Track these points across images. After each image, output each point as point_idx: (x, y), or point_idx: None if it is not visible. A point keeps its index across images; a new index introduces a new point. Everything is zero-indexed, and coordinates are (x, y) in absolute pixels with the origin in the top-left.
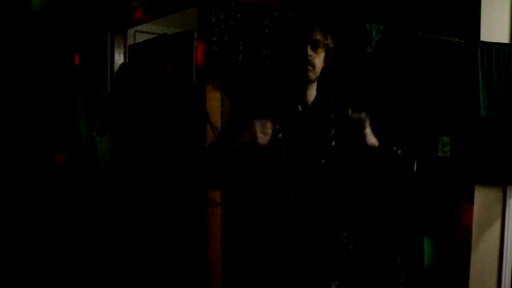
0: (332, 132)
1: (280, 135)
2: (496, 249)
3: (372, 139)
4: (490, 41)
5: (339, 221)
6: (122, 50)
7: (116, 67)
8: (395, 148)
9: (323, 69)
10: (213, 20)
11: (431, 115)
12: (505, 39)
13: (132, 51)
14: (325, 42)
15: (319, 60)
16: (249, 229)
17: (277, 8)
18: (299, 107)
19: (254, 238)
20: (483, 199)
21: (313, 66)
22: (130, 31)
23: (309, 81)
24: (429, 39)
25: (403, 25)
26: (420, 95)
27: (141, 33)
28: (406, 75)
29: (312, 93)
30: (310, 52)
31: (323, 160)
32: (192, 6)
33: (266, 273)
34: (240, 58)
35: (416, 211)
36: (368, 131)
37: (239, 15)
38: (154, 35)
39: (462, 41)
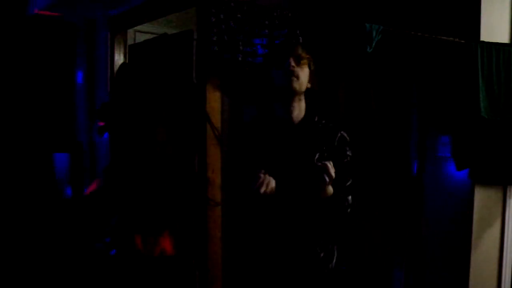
0: (316, 156)
1: (267, 154)
2: (496, 249)
3: (329, 189)
4: (490, 41)
5: (318, 241)
6: (122, 50)
7: (116, 67)
8: (346, 203)
9: (309, 90)
10: (213, 20)
11: (431, 115)
12: (505, 39)
13: (132, 51)
14: (307, 57)
15: (303, 74)
16: (246, 230)
17: (277, 8)
18: (285, 125)
19: (250, 239)
20: (483, 199)
21: (297, 77)
22: (130, 31)
23: (294, 93)
24: (429, 39)
25: (403, 25)
26: (420, 95)
27: (141, 33)
28: (406, 75)
29: (299, 111)
30: (293, 64)
31: (306, 181)
32: (192, 6)
33: (264, 273)
34: (240, 58)
35: (416, 211)
36: (328, 180)
37: (239, 15)
38: (154, 35)
39: (462, 41)
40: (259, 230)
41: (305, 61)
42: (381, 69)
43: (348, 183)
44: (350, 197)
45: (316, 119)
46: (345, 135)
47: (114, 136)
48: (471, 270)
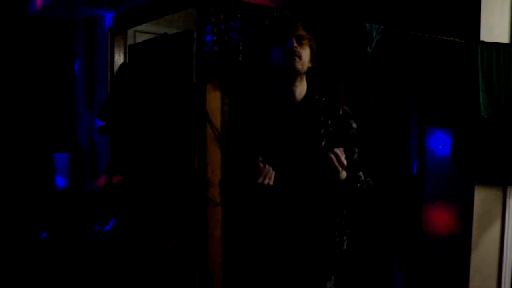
0: (322, 131)
1: (270, 133)
2: (496, 249)
3: (343, 174)
4: (490, 41)
5: (330, 219)
6: (122, 50)
7: (116, 67)
8: (359, 181)
9: (310, 68)
10: (213, 20)
11: (431, 115)
12: (505, 39)
13: (132, 51)
14: (308, 37)
15: (305, 54)
16: (246, 228)
17: (277, 8)
18: (288, 104)
19: (251, 237)
20: (483, 199)
21: (300, 57)
22: (130, 31)
23: (296, 72)
24: (429, 39)
25: (403, 25)
26: (420, 95)
27: (141, 33)
28: (406, 75)
29: (301, 90)
30: (295, 44)
31: (313, 159)
32: (192, 6)
33: (264, 271)
34: (240, 58)
35: (416, 211)
36: (341, 168)
37: (239, 15)
38: (154, 35)
39: (462, 41)
40: (260, 223)
41: (306, 40)
42: (381, 69)
43: (355, 156)
44: (361, 173)
45: (317, 96)
46: (347, 109)
47: (114, 136)
48: (471, 270)
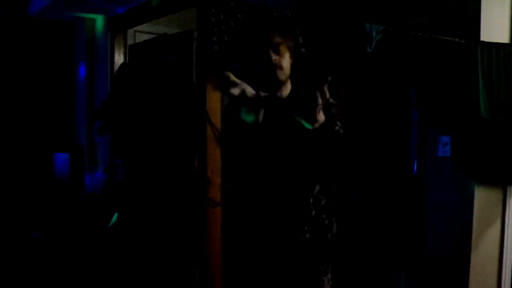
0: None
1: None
2: (496, 249)
3: (321, 116)
4: (490, 41)
5: (318, 205)
6: (122, 50)
7: (116, 67)
8: (337, 128)
9: (292, 66)
10: (213, 20)
11: (431, 115)
12: (505, 39)
13: (132, 51)
14: (285, 41)
15: (285, 61)
16: (242, 223)
17: (276, 8)
18: (275, 104)
19: (245, 231)
20: (483, 199)
21: (280, 67)
22: (130, 31)
23: (280, 83)
24: (429, 39)
25: (403, 25)
26: (420, 95)
27: (141, 33)
28: (406, 75)
29: (286, 92)
30: (273, 56)
31: (299, 147)
32: (192, 6)
33: (260, 262)
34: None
35: (416, 211)
36: (319, 107)
37: (239, 15)
38: (154, 35)
39: (462, 41)
40: (257, 216)
41: (283, 46)
42: (381, 69)
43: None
44: (338, 123)
45: (301, 93)
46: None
47: (114, 136)
48: (471, 270)
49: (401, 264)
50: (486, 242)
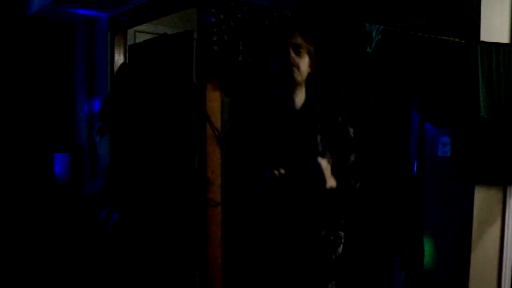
0: (318, 138)
1: (270, 140)
2: (496, 249)
3: (331, 182)
4: (490, 41)
5: (325, 224)
6: (122, 50)
7: (116, 67)
8: (352, 183)
9: (309, 74)
10: (213, 20)
11: (431, 115)
12: (505, 39)
13: (132, 51)
14: (307, 45)
15: (303, 63)
16: (247, 230)
17: (277, 8)
18: (288, 113)
19: (251, 240)
20: (483, 199)
21: (298, 68)
22: (130, 31)
23: (295, 83)
24: (429, 39)
25: (403, 25)
26: (420, 95)
27: (141, 33)
28: (406, 76)
29: (301, 97)
30: (293, 54)
31: (311, 165)
32: (192, 6)
33: (264, 274)
34: (240, 58)
35: (416, 211)
36: (328, 175)
37: (239, 15)
38: (154, 35)
39: (462, 41)
40: (260, 226)
41: (304, 49)
42: (381, 69)
43: (352, 160)
44: (353, 181)
45: (320, 103)
46: (345, 115)
47: (114, 136)
48: (471, 270)
49: (401, 263)
50: (486, 242)
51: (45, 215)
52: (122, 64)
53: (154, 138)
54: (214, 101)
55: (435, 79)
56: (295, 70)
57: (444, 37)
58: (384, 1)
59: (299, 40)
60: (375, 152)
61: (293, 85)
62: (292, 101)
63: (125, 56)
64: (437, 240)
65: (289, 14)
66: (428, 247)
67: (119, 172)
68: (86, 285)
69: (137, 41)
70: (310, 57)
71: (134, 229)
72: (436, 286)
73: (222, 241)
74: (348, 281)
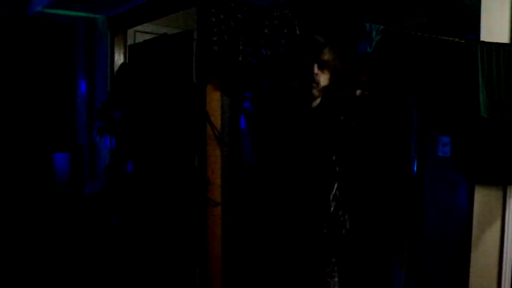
0: (338, 130)
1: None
2: (496, 249)
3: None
4: (490, 41)
5: (337, 202)
6: (122, 50)
7: (116, 67)
8: (353, 124)
9: (325, 87)
10: (213, 20)
11: (431, 115)
12: (505, 39)
13: (132, 51)
14: (332, 63)
15: (324, 78)
16: (247, 224)
17: (277, 8)
18: (305, 111)
19: (252, 232)
20: (483, 199)
21: (317, 83)
22: (130, 31)
23: (313, 98)
24: (429, 39)
25: (403, 25)
26: (420, 95)
27: (141, 33)
28: (406, 75)
29: (316, 103)
30: (316, 71)
31: (319, 142)
32: (192, 6)
33: (268, 255)
34: (240, 58)
35: (416, 211)
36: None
37: (239, 15)
38: (154, 35)
39: (462, 41)
40: (264, 219)
41: (329, 64)
42: (381, 69)
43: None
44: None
45: (329, 105)
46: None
47: (114, 136)
48: (471, 270)
49: (401, 263)
50: (486, 242)
51: (45, 215)
52: (122, 64)
53: (154, 138)
54: (214, 101)
55: (435, 79)
56: (315, 86)
57: (444, 37)
58: (384, 1)
59: (327, 57)
60: (375, 152)
61: (311, 99)
62: (306, 110)
63: (125, 56)
64: (437, 240)
65: (289, 14)
66: (428, 247)
67: (119, 172)
68: (87, 284)
69: (137, 41)
70: (332, 72)
71: (134, 228)
72: (436, 286)
73: (222, 240)
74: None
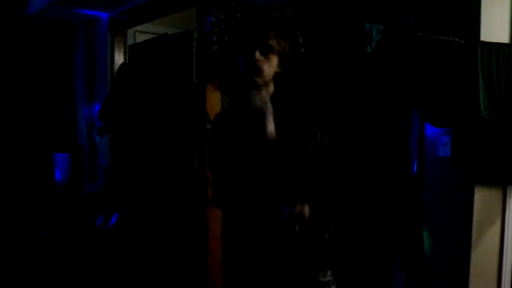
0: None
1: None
2: (496, 249)
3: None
4: (490, 41)
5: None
6: (122, 50)
7: (116, 67)
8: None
9: (277, 73)
10: (213, 20)
11: (431, 115)
12: (505, 39)
13: (132, 51)
14: (278, 48)
15: (268, 66)
16: (238, 227)
17: (277, 8)
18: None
19: (241, 236)
20: (483, 199)
21: (261, 71)
22: (130, 31)
23: (256, 86)
24: (429, 39)
25: (403, 25)
26: (420, 95)
27: (141, 33)
28: (406, 75)
29: (266, 91)
30: (259, 57)
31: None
32: (192, 6)
33: (257, 266)
34: None
35: (416, 211)
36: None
37: (239, 15)
38: (154, 35)
39: (462, 41)
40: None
41: (275, 50)
42: (381, 69)
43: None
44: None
45: (313, 108)
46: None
47: (114, 136)
48: (471, 270)
49: (401, 263)
50: (486, 242)
51: (45, 214)
52: (122, 64)
53: (154, 138)
54: (214, 101)
55: (435, 79)
56: (257, 72)
57: (444, 37)
58: (384, 1)
59: (271, 41)
60: (376, 152)
61: (253, 87)
62: (253, 101)
63: (125, 56)
64: (437, 240)
65: (289, 14)
66: (428, 247)
67: (119, 172)
68: (87, 283)
69: (137, 41)
70: (281, 57)
71: (134, 228)
72: (436, 286)
73: (222, 240)
74: (347, 277)
